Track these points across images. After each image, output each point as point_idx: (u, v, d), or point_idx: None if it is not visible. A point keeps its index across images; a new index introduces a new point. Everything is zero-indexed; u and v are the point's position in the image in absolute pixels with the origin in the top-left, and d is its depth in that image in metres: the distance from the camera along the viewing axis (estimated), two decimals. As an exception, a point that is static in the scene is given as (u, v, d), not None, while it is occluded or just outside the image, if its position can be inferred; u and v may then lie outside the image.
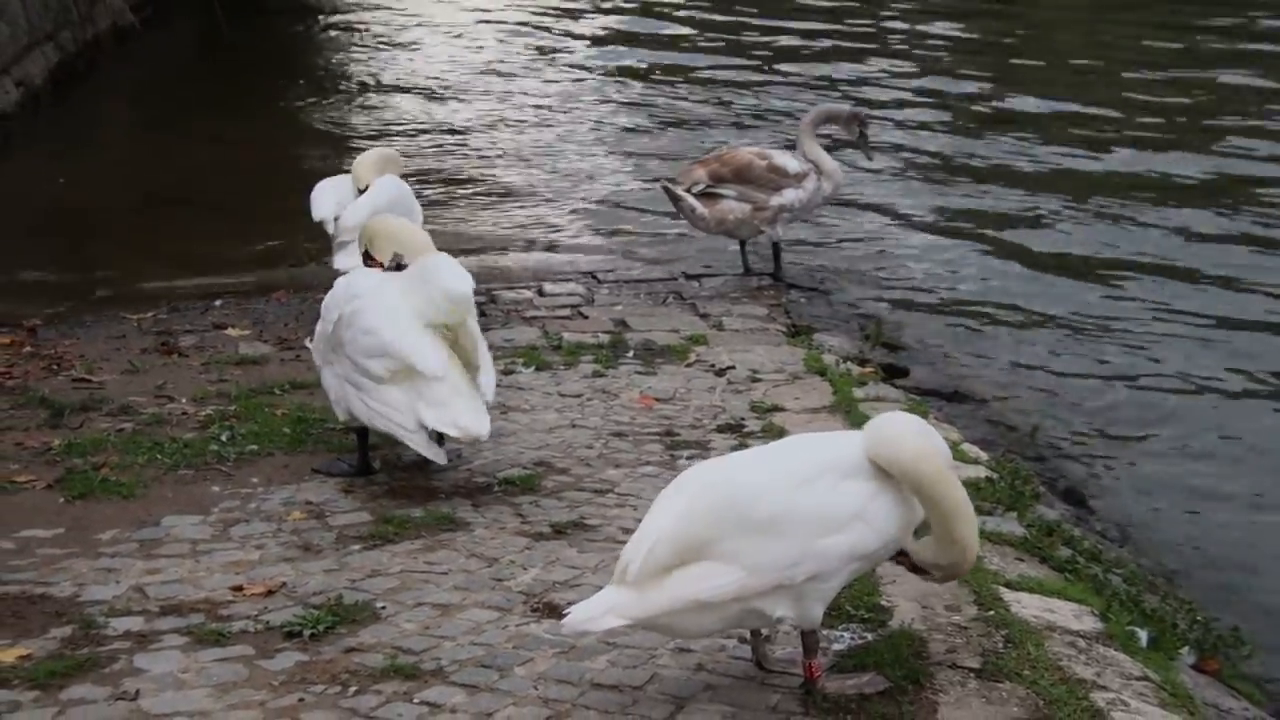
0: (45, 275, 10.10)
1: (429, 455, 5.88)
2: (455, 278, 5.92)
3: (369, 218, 7.32)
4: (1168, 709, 4.52)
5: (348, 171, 8.51)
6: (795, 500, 4.09)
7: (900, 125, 14.83)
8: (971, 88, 16.60)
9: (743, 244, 10.00)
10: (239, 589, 5.05)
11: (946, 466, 4.19)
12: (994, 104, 15.85)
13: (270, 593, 5.02)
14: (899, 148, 13.86)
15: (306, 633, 4.70)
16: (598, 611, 4.08)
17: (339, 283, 6.21)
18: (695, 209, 9.64)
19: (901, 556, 4.39)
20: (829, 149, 10.09)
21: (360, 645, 4.65)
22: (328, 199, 8.24)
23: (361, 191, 8.11)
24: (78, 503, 5.84)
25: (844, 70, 17.38)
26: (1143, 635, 5.20)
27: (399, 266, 6.18)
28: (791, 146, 10.14)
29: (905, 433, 4.19)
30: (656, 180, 10.84)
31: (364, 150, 9.21)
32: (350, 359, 5.92)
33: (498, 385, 6.16)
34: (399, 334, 5.83)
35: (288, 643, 4.67)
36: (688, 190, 9.65)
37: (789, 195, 9.63)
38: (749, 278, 9.92)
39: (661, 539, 4.07)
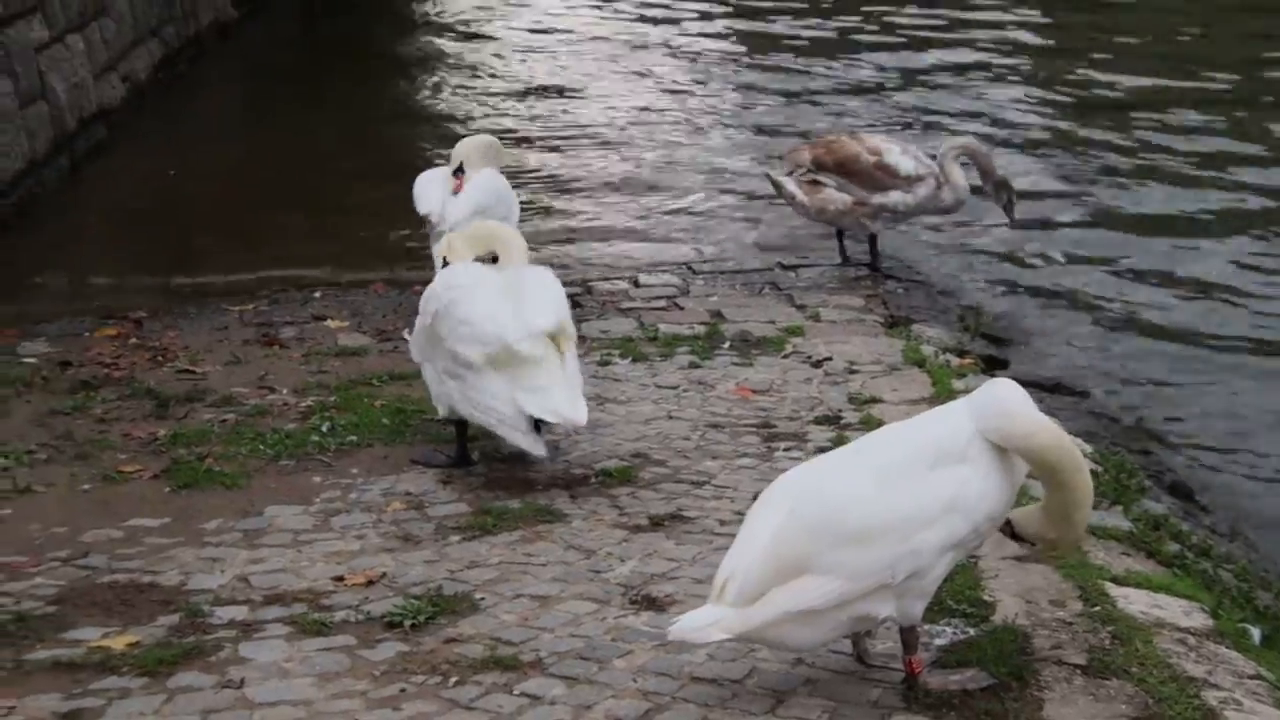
0: (149, 267, 10.26)
1: (528, 448, 5.85)
2: (542, 309, 5.90)
3: (471, 215, 7.34)
4: (1283, 709, 4.41)
5: (446, 162, 8.48)
6: (886, 504, 4.06)
7: (1003, 107, 14.61)
8: (1079, 73, 16.23)
9: (840, 233, 9.86)
10: (340, 579, 5.10)
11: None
12: (1102, 92, 15.47)
13: (371, 583, 5.06)
14: (1000, 132, 13.66)
15: (407, 623, 4.73)
16: (703, 623, 4.07)
17: (437, 278, 6.24)
18: (796, 196, 9.53)
19: (1003, 525, 4.33)
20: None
21: (460, 636, 4.67)
22: (434, 192, 8.13)
23: (457, 172, 8.04)
24: (183, 492, 5.93)
25: (953, 57, 17.02)
26: (1255, 633, 5.07)
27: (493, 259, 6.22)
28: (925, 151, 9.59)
29: (1032, 414, 4.15)
30: (755, 169, 10.72)
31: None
32: (449, 350, 5.93)
33: (593, 377, 6.13)
34: (494, 317, 5.85)
35: (389, 633, 4.71)
36: (790, 174, 9.55)
37: (894, 197, 9.30)
38: (846, 268, 9.78)
39: (756, 562, 4.07)
